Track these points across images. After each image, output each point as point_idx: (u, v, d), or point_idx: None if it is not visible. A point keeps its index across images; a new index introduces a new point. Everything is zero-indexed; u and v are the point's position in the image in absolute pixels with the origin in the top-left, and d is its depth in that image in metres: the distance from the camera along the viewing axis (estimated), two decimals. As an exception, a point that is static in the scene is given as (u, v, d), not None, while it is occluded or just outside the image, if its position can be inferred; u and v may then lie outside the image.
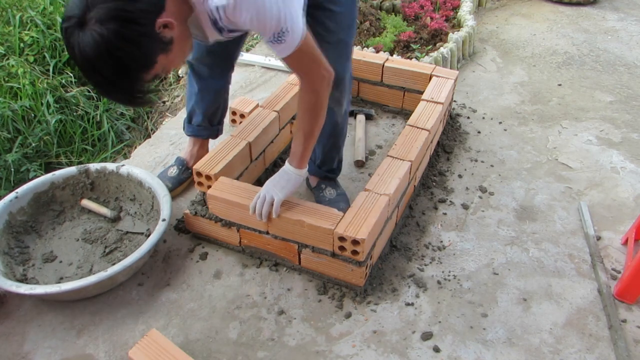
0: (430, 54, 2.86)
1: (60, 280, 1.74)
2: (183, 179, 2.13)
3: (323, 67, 1.47)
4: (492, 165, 2.33)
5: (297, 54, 1.38)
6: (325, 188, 2.05)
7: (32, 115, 2.77)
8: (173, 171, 2.12)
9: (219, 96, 2.05)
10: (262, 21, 1.28)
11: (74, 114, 2.88)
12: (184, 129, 2.16)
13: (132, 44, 1.13)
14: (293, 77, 2.37)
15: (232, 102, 2.43)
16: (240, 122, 2.27)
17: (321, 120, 1.57)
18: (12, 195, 1.86)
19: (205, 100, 2.02)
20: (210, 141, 2.25)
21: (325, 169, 2.04)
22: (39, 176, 1.97)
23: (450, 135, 2.48)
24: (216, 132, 2.16)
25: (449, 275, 1.82)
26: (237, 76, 2.97)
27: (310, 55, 1.43)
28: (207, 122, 2.09)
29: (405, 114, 2.58)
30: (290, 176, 1.65)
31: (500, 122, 2.63)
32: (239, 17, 1.27)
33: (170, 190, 2.01)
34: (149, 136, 2.76)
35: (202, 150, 2.17)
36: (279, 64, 3.00)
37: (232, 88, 2.83)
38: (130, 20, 1.11)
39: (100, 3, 1.09)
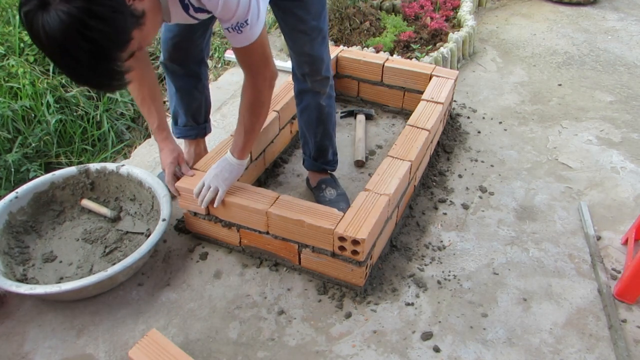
0: (430, 54, 2.86)
1: (60, 280, 1.74)
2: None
3: (270, 69, 1.53)
4: (492, 165, 2.33)
5: (250, 48, 1.44)
6: (325, 188, 2.05)
7: (32, 115, 2.77)
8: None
9: (199, 93, 2.04)
10: (230, 8, 1.31)
11: (74, 114, 2.88)
12: (172, 132, 2.08)
13: (104, 20, 1.01)
14: (293, 77, 2.37)
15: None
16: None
17: (262, 118, 1.66)
18: (12, 195, 1.86)
19: (185, 100, 2.02)
20: (211, 140, 2.25)
21: (322, 162, 2.06)
22: (39, 176, 1.97)
23: (450, 135, 2.48)
24: (204, 130, 2.15)
25: (449, 275, 1.82)
26: (237, 76, 2.97)
27: (261, 53, 1.48)
28: (193, 121, 2.09)
29: (405, 114, 2.58)
30: (233, 167, 1.72)
31: (500, 122, 2.63)
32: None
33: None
34: (149, 136, 2.76)
35: (199, 149, 2.17)
36: (279, 63, 3.00)
37: (232, 88, 2.84)
38: None
39: None
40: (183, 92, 2.00)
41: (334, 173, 2.14)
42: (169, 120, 2.15)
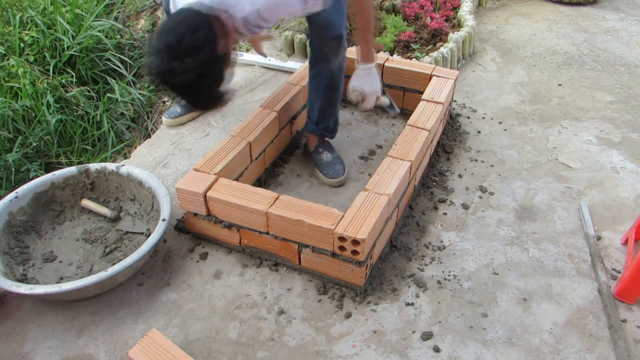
0: (430, 54, 2.86)
1: (61, 280, 1.75)
2: (192, 107, 2.50)
3: None
4: (492, 165, 2.33)
5: None
6: (322, 152, 2.24)
7: (33, 115, 2.77)
8: (183, 101, 2.47)
9: None
10: (289, 3, 1.57)
11: (74, 114, 2.88)
12: None
13: (209, 77, 1.48)
14: (293, 77, 2.37)
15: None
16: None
17: (372, 16, 1.87)
18: (12, 195, 1.86)
19: None
20: (211, 140, 2.25)
21: (322, 127, 2.21)
22: (39, 176, 1.97)
23: (450, 135, 2.48)
24: None
25: (449, 275, 1.82)
26: (237, 76, 2.97)
27: None
28: None
29: (405, 114, 2.58)
30: (372, 71, 1.98)
31: (500, 122, 2.63)
32: (275, 14, 1.59)
33: (179, 115, 2.49)
34: (149, 136, 2.76)
35: None
36: (279, 63, 3.00)
37: (232, 88, 2.84)
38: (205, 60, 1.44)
39: (183, 58, 1.39)
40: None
41: (331, 141, 2.30)
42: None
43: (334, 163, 2.21)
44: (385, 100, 2.18)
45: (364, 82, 1.98)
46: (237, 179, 1.97)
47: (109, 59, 3.24)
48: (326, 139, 2.29)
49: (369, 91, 1.99)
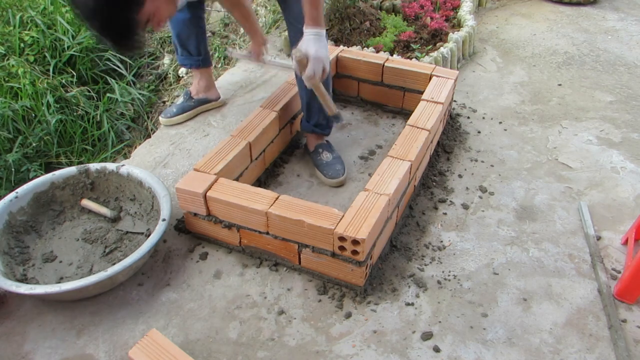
0: (430, 54, 2.86)
1: (60, 280, 1.74)
2: (187, 107, 2.55)
3: None
4: (492, 165, 2.33)
5: None
6: (322, 152, 2.23)
7: (33, 115, 2.77)
8: (179, 100, 2.60)
9: (192, 26, 2.31)
10: None
11: (74, 114, 2.88)
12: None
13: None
14: (292, 78, 2.37)
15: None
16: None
17: None
18: (12, 195, 1.86)
19: (175, 29, 2.33)
20: (211, 140, 2.25)
21: (313, 123, 2.20)
22: (39, 176, 1.97)
23: (450, 135, 2.48)
24: (197, 62, 2.44)
25: (449, 275, 1.82)
26: (238, 76, 2.97)
27: None
28: (187, 52, 2.39)
29: (405, 114, 2.58)
30: (322, 38, 1.79)
31: (500, 122, 2.63)
32: None
33: (174, 115, 2.52)
34: (149, 136, 2.76)
35: (203, 82, 2.54)
36: (280, 62, 3.00)
37: (232, 88, 2.84)
38: None
39: None
40: (174, 23, 2.30)
41: (329, 140, 2.30)
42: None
43: (334, 163, 2.21)
44: (331, 107, 1.99)
45: (309, 45, 1.77)
46: (237, 179, 1.97)
47: (109, 59, 3.24)
48: (325, 138, 2.28)
49: (315, 55, 1.76)
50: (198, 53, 2.41)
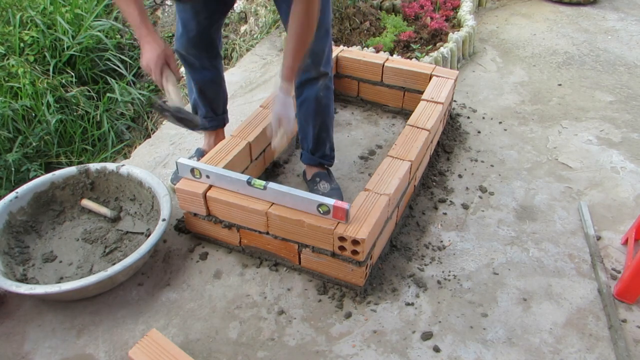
0: (430, 54, 2.86)
1: (61, 280, 1.74)
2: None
3: None
4: (492, 165, 2.33)
5: None
6: (319, 182, 2.09)
7: (33, 115, 2.77)
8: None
9: (216, 85, 2.12)
10: None
11: (74, 114, 2.88)
12: None
13: None
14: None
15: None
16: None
17: (312, 28, 1.58)
18: (12, 195, 1.86)
19: (203, 92, 2.10)
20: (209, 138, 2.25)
21: (319, 155, 2.09)
22: (39, 176, 1.97)
23: (450, 135, 2.48)
24: (222, 120, 2.24)
25: (449, 275, 1.82)
26: (237, 76, 2.97)
27: None
28: (212, 113, 2.17)
29: (405, 114, 2.58)
30: (286, 98, 1.67)
31: (500, 122, 2.63)
32: None
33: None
34: (149, 136, 2.76)
35: (219, 139, 2.22)
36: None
37: (232, 88, 2.84)
38: None
39: None
40: (201, 85, 2.07)
41: (330, 168, 2.16)
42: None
43: (330, 195, 2.02)
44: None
45: (275, 105, 1.68)
46: (237, 179, 1.97)
47: (109, 59, 3.24)
48: (325, 166, 2.14)
49: (276, 116, 1.68)
50: (223, 111, 2.22)
